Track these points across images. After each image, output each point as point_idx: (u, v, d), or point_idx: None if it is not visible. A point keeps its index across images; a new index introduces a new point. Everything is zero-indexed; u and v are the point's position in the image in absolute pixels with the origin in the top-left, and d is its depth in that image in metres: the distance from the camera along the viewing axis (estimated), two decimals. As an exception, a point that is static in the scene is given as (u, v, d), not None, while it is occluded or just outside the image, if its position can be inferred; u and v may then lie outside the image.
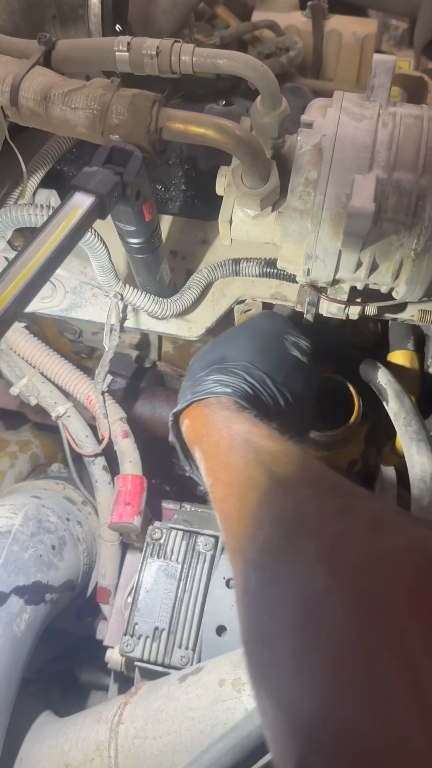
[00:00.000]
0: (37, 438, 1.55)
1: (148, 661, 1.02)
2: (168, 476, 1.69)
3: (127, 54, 0.86)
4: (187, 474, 0.94)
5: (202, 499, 1.66)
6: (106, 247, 0.94)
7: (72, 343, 1.44)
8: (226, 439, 0.74)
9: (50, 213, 0.93)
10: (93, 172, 0.75)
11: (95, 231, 0.91)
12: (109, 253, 0.95)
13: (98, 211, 0.73)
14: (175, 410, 0.88)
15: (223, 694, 0.82)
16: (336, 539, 0.51)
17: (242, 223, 1.00)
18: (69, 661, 1.49)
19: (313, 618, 0.48)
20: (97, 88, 0.82)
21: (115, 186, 0.74)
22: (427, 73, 1.37)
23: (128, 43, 0.86)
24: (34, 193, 1.08)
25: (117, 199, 0.76)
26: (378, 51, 1.79)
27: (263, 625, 0.53)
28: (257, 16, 1.54)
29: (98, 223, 0.90)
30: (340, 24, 1.53)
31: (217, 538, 1.09)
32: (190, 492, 1.69)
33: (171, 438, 0.90)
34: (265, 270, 1.08)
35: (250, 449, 0.70)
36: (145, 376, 1.49)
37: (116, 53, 0.87)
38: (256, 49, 1.35)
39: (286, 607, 0.51)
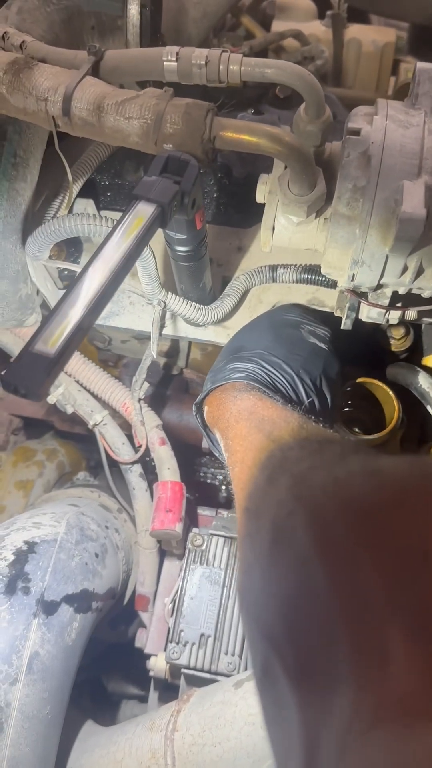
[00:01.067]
0: (62, 446, 1.55)
1: (195, 668, 1.02)
2: (190, 482, 1.70)
3: (175, 64, 0.87)
4: (218, 457, 0.97)
5: (226, 506, 1.67)
6: (154, 256, 0.94)
7: (99, 351, 1.44)
8: (235, 415, 0.81)
9: (103, 223, 0.94)
10: (153, 182, 0.75)
11: (145, 239, 0.91)
12: (156, 261, 0.95)
13: (160, 219, 0.73)
14: (196, 400, 0.95)
15: (284, 698, 0.82)
16: (306, 471, 0.58)
17: (285, 229, 1.00)
18: (98, 669, 1.49)
19: (279, 539, 0.53)
20: (151, 98, 0.83)
21: (175, 195, 0.75)
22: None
23: (177, 53, 0.87)
24: (73, 203, 1.08)
25: (176, 208, 0.76)
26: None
27: (245, 558, 0.59)
28: (277, 26, 1.56)
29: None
30: (359, 33, 1.54)
31: (258, 543, 1.09)
32: (211, 499, 1.70)
33: (204, 437, 0.96)
34: (302, 276, 1.09)
35: (253, 419, 0.77)
36: (172, 383, 1.50)
37: (165, 63, 0.87)
38: (281, 59, 1.36)
39: (262, 535, 0.56)
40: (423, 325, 1.17)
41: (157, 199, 0.73)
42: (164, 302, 1.01)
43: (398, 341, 1.20)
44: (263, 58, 1.37)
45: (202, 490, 1.70)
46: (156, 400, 1.45)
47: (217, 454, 0.96)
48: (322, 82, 1.44)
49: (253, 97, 1.30)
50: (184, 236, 0.87)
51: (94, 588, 1.02)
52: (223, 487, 1.70)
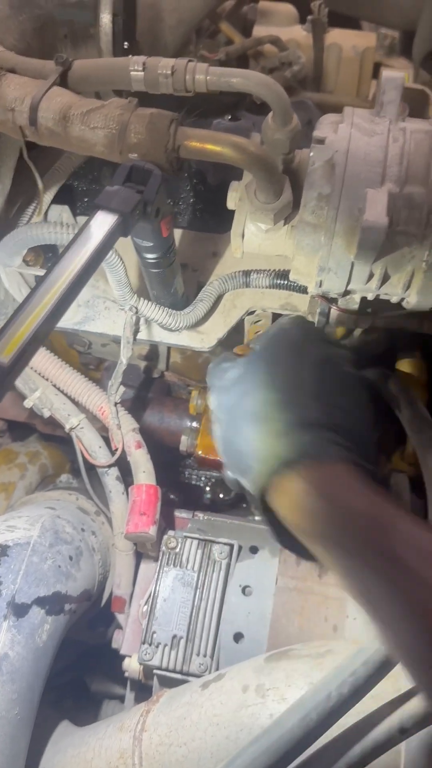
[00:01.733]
0: (45, 449, 1.56)
1: (167, 669, 1.04)
2: (174, 484, 1.71)
3: (142, 73, 0.88)
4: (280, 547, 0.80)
5: (210, 508, 1.68)
6: (123, 262, 0.95)
7: (80, 355, 1.45)
8: (367, 531, 0.62)
9: (69, 231, 0.95)
10: (115, 191, 0.76)
11: (114, 248, 0.92)
12: (125, 268, 0.97)
13: (121, 228, 0.75)
14: (253, 488, 0.75)
15: (248, 699, 0.84)
16: None
17: (254, 236, 1.01)
18: (80, 670, 1.50)
19: None
20: (116, 108, 0.84)
21: (137, 204, 0.76)
22: (426, 85, 1.40)
23: (143, 63, 0.88)
24: (47, 210, 1.10)
25: (139, 216, 0.77)
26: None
27: None
28: (258, 31, 1.57)
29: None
30: (339, 37, 1.55)
31: (231, 546, 1.10)
32: (196, 501, 1.71)
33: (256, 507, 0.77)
34: (274, 281, 1.10)
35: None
36: (153, 386, 1.51)
37: (131, 73, 0.89)
38: (259, 64, 1.37)
39: None
40: (397, 330, 1.19)
41: (118, 208, 0.75)
42: (136, 308, 1.03)
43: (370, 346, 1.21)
44: (242, 63, 1.38)
45: (186, 491, 1.71)
46: (137, 403, 1.46)
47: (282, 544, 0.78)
48: (300, 87, 1.46)
49: (230, 103, 1.31)
50: (151, 244, 0.88)
51: (67, 590, 1.03)
52: (207, 488, 1.71)
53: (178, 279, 1.01)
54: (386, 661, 0.69)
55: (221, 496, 1.69)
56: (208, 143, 0.84)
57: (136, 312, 1.03)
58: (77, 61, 0.91)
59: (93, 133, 0.84)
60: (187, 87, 0.89)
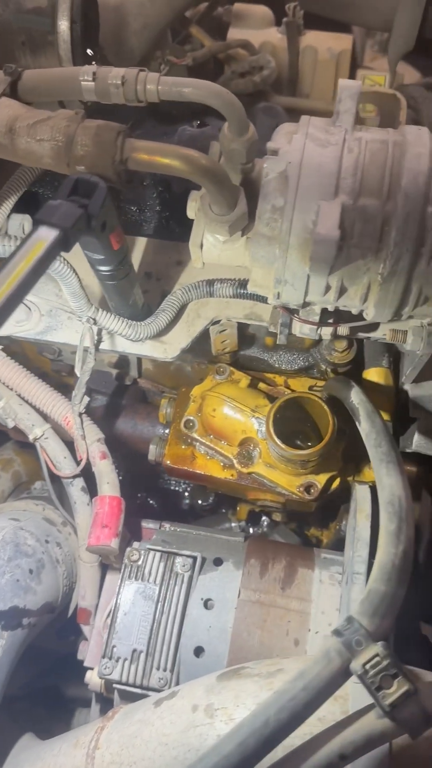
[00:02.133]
0: (19, 456, 1.55)
1: (126, 683, 1.03)
2: (153, 491, 1.70)
3: (93, 83, 0.87)
4: None
5: (187, 515, 1.67)
6: (75, 274, 0.94)
7: (52, 362, 1.44)
8: None
9: (12, 244, 0.94)
10: (57, 206, 0.75)
11: (65, 259, 0.91)
12: (79, 279, 0.96)
13: (62, 244, 0.73)
14: None
15: (196, 719, 0.83)
16: None
17: (213, 247, 1.00)
18: (54, 678, 1.49)
19: None
20: (62, 120, 0.83)
21: (79, 219, 0.75)
22: (402, 89, 1.38)
23: (94, 73, 0.87)
24: (8, 218, 1.08)
25: (82, 231, 0.76)
26: (359, 59, 1.80)
27: None
28: (233, 33, 1.55)
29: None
30: (315, 40, 1.54)
31: (194, 558, 1.09)
32: (174, 507, 1.70)
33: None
34: (238, 291, 1.09)
35: None
36: (126, 393, 1.50)
37: (82, 83, 0.87)
38: (230, 68, 1.36)
39: None
40: (363, 340, 1.17)
41: (58, 223, 0.73)
42: (94, 319, 1.01)
43: (341, 354, 1.20)
44: (215, 68, 1.37)
45: (165, 497, 1.70)
46: (110, 410, 1.45)
47: None
48: (273, 91, 1.44)
49: (198, 109, 1.29)
50: (102, 257, 0.87)
51: (25, 604, 1.02)
52: (186, 494, 1.70)
53: (136, 290, 1.00)
54: (327, 685, 0.68)
55: (200, 502, 1.68)
56: (157, 155, 0.82)
57: (95, 323, 1.02)
58: (27, 71, 0.89)
59: (39, 145, 0.83)
60: (139, 97, 0.88)
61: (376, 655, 0.68)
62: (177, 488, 1.71)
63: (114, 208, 0.82)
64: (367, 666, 0.67)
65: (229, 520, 1.67)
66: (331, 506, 1.34)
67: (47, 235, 0.73)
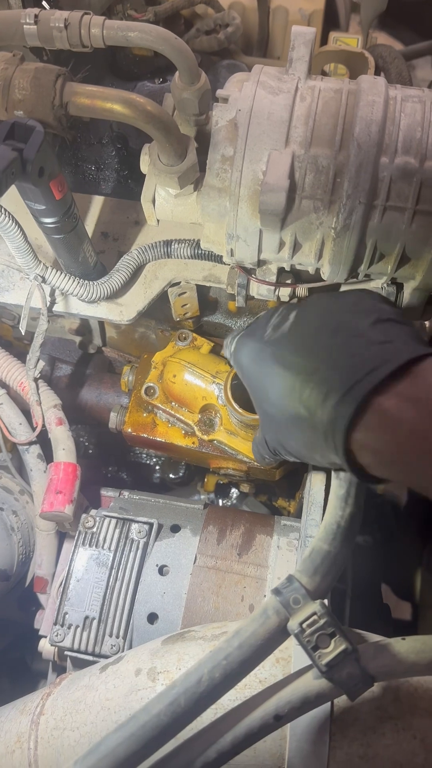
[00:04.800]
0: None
1: (78, 651, 1.01)
2: (123, 465, 1.68)
3: (35, 27, 0.83)
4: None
5: (158, 489, 1.65)
6: (19, 226, 0.91)
7: (13, 329, 1.41)
8: None
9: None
10: (-11, 149, 0.72)
11: (6, 211, 0.88)
12: (24, 233, 0.92)
13: (-7, 188, 0.70)
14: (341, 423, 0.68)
15: (139, 683, 0.81)
16: None
17: (165, 202, 0.97)
18: (18, 650, 1.48)
19: None
20: (-1, 62, 0.79)
21: (12, 162, 0.71)
22: (371, 49, 1.34)
23: (36, 16, 0.83)
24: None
25: (15, 175, 0.73)
26: (336, 23, 1.76)
27: None
28: (203, -8, 1.50)
29: (16, 203, 0.88)
30: (286, 0, 1.49)
31: (151, 525, 1.07)
32: (146, 480, 1.68)
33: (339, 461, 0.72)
34: (196, 251, 1.06)
35: None
36: (91, 362, 1.47)
37: (24, 26, 0.84)
38: (195, 26, 1.32)
39: None
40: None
41: (-12, 167, 0.70)
42: (42, 277, 0.98)
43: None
44: (176, 25, 1.33)
45: (135, 470, 1.68)
46: (74, 379, 1.42)
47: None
48: (241, 52, 1.40)
49: (163, 66, 1.26)
50: (43, 207, 0.84)
51: (-25, 571, 1.00)
52: (157, 468, 1.68)
53: (86, 246, 0.96)
54: (264, 643, 0.66)
55: (170, 475, 1.66)
56: (98, 100, 0.79)
57: (43, 281, 0.99)
58: (-33, 13, 0.85)
59: (-25, 88, 0.79)
60: (83, 42, 0.84)
61: (314, 613, 0.66)
62: (148, 461, 1.69)
63: (54, 155, 0.78)
64: (304, 625, 0.66)
65: (198, 493, 1.65)
66: (298, 476, 1.33)
67: (-23, 178, 0.70)
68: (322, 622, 0.65)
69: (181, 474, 1.65)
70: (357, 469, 0.71)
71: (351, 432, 0.68)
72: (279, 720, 0.65)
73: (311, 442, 0.75)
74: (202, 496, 1.63)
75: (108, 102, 0.79)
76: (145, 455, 1.69)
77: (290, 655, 0.76)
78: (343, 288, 1.03)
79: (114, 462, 1.68)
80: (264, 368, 0.82)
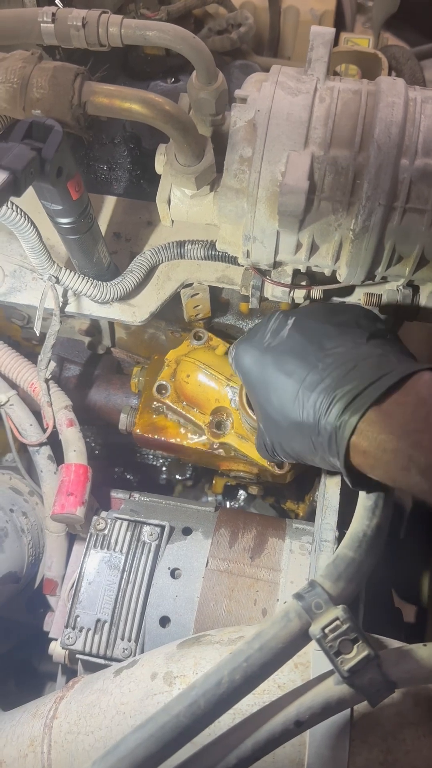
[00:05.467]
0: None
1: (89, 654, 1.00)
2: (130, 466, 1.67)
3: (52, 26, 0.83)
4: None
5: (165, 490, 1.64)
6: (34, 226, 0.90)
7: (22, 330, 1.40)
8: None
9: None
10: (8, 148, 0.71)
11: (22, 211, 0.87)
12: (39, 233, 0.91)
13: (12, 187, 0.69)
14: (337, 450, 0.77)
15: (155, 687, 0.80)
16: None
17: (181, 203, 0.97)
18: (25, 652, 1.47)
19: None
20: (17, 61, 0.78)
21: (31, 162, 0.71)
22: (384, 50, 1.34)
23: (53, 14, 0.82)
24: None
25: (34, 175, 0.72)
26: (346, 24, 1.75)
27: None
28: (213, -8, 1.50)
29: (31, 203, 0.87)
30: (297, 1, 1.49)
31: (162, 527, 1.06)
32: (152, 482, 1.67)
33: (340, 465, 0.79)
34: (210, 252, 1.05)
35: None
36: (100, 363, 1.46)
37: (42, 25, 0.83)
38: (207, 26, 1.31)
39: None
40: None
41: (9, 165, 0.69)
42: (56, 277, 0.98)
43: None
44: (188, 24, 1.32)
45: (142, 471, 1.67)
46: (83, 380, 1.42)
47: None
48: (252, 51, 1.40)
49: (175, 66, 1.25)
50: (60, 207, 0.83)
51: (-15, 573, 0.99)
52: (164, 469, 1.67)
53: (100, 247, 0.96)
54: (284, 647, 0.65)
55: (177, 477, 1.65)
56: (116, 99, 0.78)
57: (57, 281, 0.98)
58: (-16, 12, 0.85)
59: (-7, 87, 0.78)
60: (101, 41, 0.83)
61: (336, 618, 0.65)
62: (155, 463, 1.68)
63: (71, 155, 0.78)
64: (326, 630, 0.65)
65: (205, 494, 1.65)
66: (308, 479, 1.32)
67: (-3, 178, 0.69)
68: (344, 627, 0.65)
69: (187, 475, 1.65)
70: (352, 473, 0.78)
71: (351, 437, 0.75)
72: (300, 726, 0.65)
73: (314, 446, 0.81)
74: (210, 498, 1.62)
75: (126, 101, 0.78)
76: (151, 456, 1.68)
77: (309, 660, 0.76)
78: (357, 291, 1.03)
79: (120, 463, 1.67)
80: (266, 374, 0.88)
